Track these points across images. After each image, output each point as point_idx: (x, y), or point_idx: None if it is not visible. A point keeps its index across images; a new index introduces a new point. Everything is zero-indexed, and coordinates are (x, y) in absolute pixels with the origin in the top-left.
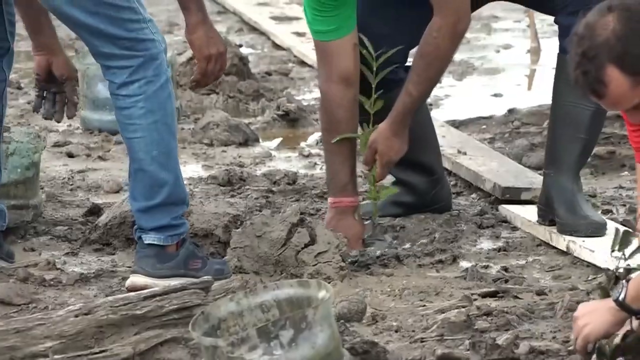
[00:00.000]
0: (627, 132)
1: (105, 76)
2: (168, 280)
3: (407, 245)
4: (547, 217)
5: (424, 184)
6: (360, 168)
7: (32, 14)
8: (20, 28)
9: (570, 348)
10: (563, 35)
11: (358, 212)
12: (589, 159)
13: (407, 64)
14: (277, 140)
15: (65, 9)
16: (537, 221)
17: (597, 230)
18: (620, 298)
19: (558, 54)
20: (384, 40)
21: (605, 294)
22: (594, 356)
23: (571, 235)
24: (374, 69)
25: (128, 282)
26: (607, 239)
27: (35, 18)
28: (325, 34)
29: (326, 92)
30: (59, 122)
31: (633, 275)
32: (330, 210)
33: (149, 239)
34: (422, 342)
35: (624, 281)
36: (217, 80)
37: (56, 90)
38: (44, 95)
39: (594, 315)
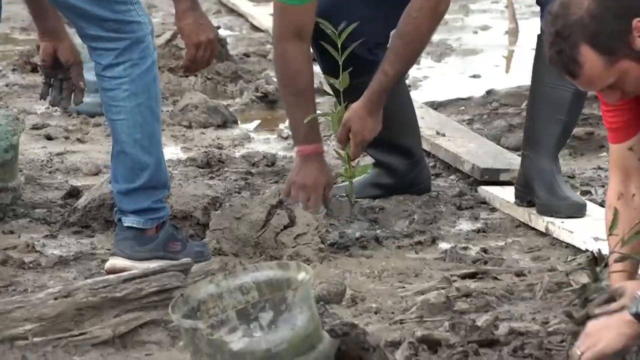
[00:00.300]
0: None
1: (91, 57)
2: (147, 262)
3: (386, 227)
4: (525, 198)
5: (403, 165)
6: (333, 145)
7: (37, 1)
8: None
9: (550, 329)
10: (544, 16)
11: (322, 159)
12: (568, 140)
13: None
14: (256, 122)
15: None
16: (515, 202)
17: (578, 210)
18: (638, 311)
19: (538, 35)
20: (364, 21)
21: (595, 276)
22: None
23: (552, 216)
24: (339, 46)
25: (107, 265)
26: (586, 220)
27: (40, 3)
28: None
29: (281, 46)
30: (66, 108)
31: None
32: (296, 158)
33: (129, 221)
34: (401, 323)
35: (638, 293)
36: (206, 67)
37: (62, 77)
38: (51, 82)
39: (608, 331)
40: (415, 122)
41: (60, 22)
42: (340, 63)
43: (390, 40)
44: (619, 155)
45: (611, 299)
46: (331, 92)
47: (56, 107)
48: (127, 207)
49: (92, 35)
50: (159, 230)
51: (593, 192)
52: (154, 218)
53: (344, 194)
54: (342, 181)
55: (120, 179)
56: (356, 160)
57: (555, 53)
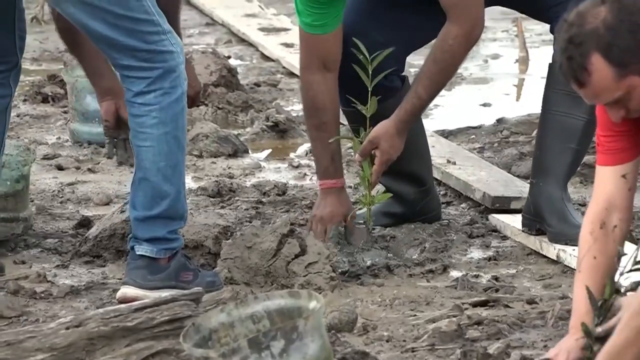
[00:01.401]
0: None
1: (123, 83)
2: (159, 291)
3: (398, 255)
4: (533, 226)
5: (414, 194)
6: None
7: (92, 59)
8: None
9: None
10: (559, 24)
11: (342, 193)
12: (579, 168)
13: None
14: (267, 152)
15: (85, 20)
16: (523, 230)
17: None
18: None
19: (549, 63)
20: (380, 47)
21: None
22: None
23: (566, 244)
24: (370, 72)
25: (119, 294)
26: None
27: (96, 64)
28: (312, 27)
29: (308, 78)
30: (133, 166)
31: None
32: (319, 192)
33: (142, 250)
34: (413, 351)
35: None
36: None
37: (125, 136)
38: (115, 142)
39: None
40: (426, 150)
41: (117, 80)
42: (370, 88)
43: (424, 64)
44: (609, 180)
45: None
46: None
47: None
48: (142, 235)
49: (124, 65)
50: (171, 260)
51: None
52: (167, 248)
53: (362, 221)
54: (360, 208)
55: (138, 206)
56: (375, 189)
57: (566, 59)
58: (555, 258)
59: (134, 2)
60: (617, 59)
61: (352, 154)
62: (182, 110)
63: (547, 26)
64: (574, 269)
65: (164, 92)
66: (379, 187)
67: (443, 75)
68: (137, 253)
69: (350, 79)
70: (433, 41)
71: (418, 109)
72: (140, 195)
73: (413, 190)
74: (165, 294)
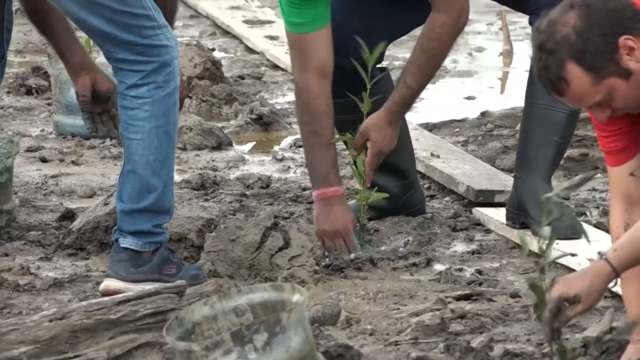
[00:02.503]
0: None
1: (115, 76)
2: (142, 284)
3: (381, 249)
4: (517, 220)
5: (397, 187)
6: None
7: (62, 37)
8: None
9: (545, 351)
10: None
11: (344, 201)
12: (562, 161)
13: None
14: (251, 144)
15: (83, 16)
16: (507, 224)
17: (575, 232)
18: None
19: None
20: (361, 36)
21: (540, 293)
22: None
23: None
24: (369, 70)
25: (102, 286)
26: (581, 242)
27: (66, 41)
28: (300, 26)
29: (303, 84)
30: (115, 137)
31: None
32: (317, 204)
33: (126, 242)
34: (396, 345)
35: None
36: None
37: (101, 109)
38: (93, 116)
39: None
40: (409, 144)
41: (88, 54)
42: (369, 86)
43: (412, 54)
44: (620, 180)
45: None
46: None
47: (51, 131)
48: (127, 227)
49: (120, 58)
50: (155, 253)
51: (588, 213)
52: (152, 242)
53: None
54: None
55: (125, 199)
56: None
57: (542, 69)
58: (538, 252)
59: None
60: (591, 64)
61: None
62: (174, 105)
63: None
64: (558, 263)
65: (157, 85)
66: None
67: (431, 63)
68: (122, 246)
69: (340, 75)
70: (415, 31)
71: (408, 99)
72: (128, 188)
73: (396, 184)
74: (148, 287)
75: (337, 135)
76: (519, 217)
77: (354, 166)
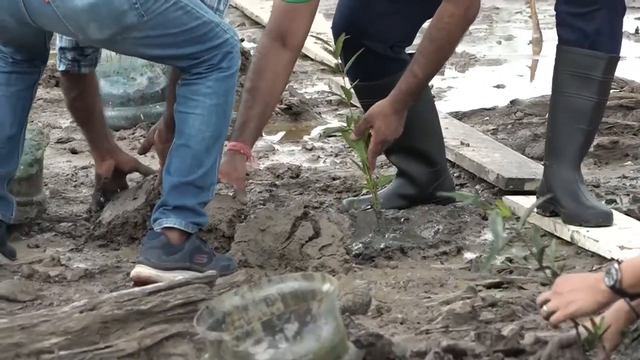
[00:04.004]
0: (629, 121)
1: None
2: (173, 272)
3: (411, 237)
4: (548, 208)
5: (426, 175)
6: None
7: (97, 128)
8: None
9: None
10: (560, 24)
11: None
12: (592, 149)
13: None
14: (280, 134)
15: (142, 51)
16: (538, 212)
17: (605, 219)
18: (617, 285)
19: (557, 44)
20: (381, 18)
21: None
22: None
23: (580, 225)
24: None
25: (133, 272)
26: (612, 229)
27: (100, 131)
28: None
29: (263, 44)
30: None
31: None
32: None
33: (170, 222)
34: (427, 333)
35: (615, 265)
36: None
37: (117, 186)
38: (106, 194)
39: (582, 294)
40: (438, 131)
41: (113, 139)
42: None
43: (420, 43)
44: None
45: None
46: (358, 105)
47: None
48: (172, 202)
49: (184, 67)
50: (187, 241)
51: (618, 200)
52: (195, 222)
53: (369, 205)
54: (366, 192)
55: (174, 172)
56: (376, 171)
57: None
58: (569, 239)
59: (184, 15)
60: None
61: (347, 146)
62: (233, 87)
63: None
64: (588, 251)
65: (220, 70)
66: (391, 169)
67: (439, 54)
68: (165, 225)
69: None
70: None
71: (414, 88)
72: (178, 162)
73: (425, 171)
74: (179, 276)
75: (330, 126)
76: (550, 205)
77: (355, 155)
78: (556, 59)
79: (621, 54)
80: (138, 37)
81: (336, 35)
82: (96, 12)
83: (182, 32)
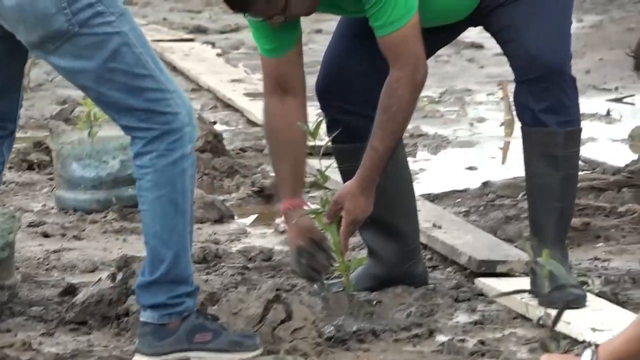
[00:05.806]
0: (601, 203)
1: (131, 142)
2: (169, 356)
3: (383, 320)
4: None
5: (399, 254)
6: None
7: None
8: None
9: None
10: (517, 106)
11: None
12: None
13: None
14: (252, 217)
15: (78, 78)
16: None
17: (577, 301)
18: None
19: (521, 126)
20: (361, 77)
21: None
22: None
23: (548, 307)
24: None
25: None
26: (584, 311)
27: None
28: (267, 51)
29: (266, 103)
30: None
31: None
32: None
33: (145, 316)
34: None
35: (592, 347)
36: None
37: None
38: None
39: None
40: (413, 210)
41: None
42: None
43: (376, 116)
44: None
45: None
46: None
47: (53, 205)
48: (143, 302)
49: (123, 125)
50: (182, 323)
51: (590, 282)
52: (171, 314)
53: (341, 288)
54: (338, 274)
55: (143, 272)
56: (349, 253)
57: None
58: (540, 322)
59: (129, 53)
60: None
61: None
62: (182, 173)
63: None
64: (561, 333)
65: (158, 154)
66: (363, 251)
67: (393, 123)
68: (141, 320)
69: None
70: None
71: (376, 163)
72: (145, 261)
73: (397, 250)
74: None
75: (309, 208)
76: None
77: (325, 229)
78: (523, 141)
79: (593, 134)
80: (70, 51)
81: (319, 95)
82: (21, 13)
83: (124, 73)
